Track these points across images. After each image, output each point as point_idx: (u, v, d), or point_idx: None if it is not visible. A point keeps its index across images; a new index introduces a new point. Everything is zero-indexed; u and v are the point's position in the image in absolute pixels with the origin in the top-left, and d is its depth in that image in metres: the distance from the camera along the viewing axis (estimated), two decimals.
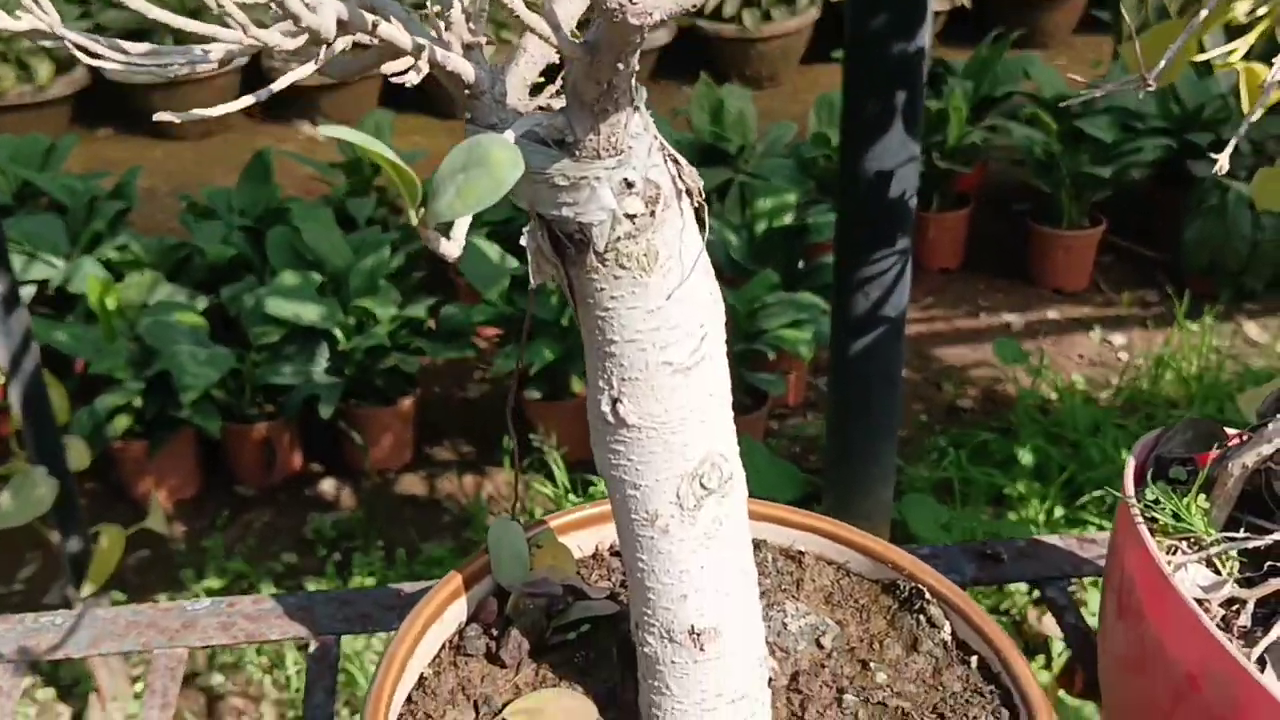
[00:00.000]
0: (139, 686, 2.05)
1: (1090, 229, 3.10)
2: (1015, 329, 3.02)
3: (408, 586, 0.85)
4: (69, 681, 2.08)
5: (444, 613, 0.66)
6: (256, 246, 2.82)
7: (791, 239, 2.62)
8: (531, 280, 0.52)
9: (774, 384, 2.43)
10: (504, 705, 0.62)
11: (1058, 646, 1.96)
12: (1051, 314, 3.08)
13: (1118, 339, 2.98)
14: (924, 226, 3.12)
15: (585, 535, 0.72)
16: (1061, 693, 1.89)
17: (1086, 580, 1.63)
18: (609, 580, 0.71)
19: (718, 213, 2.85)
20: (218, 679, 2.10)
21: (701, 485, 0.54)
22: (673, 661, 0.57)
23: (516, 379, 0.78)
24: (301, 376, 2.48)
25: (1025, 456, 2.34)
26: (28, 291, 2.63)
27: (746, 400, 2.49)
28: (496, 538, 0.69)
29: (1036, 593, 0.90)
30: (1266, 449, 0.63)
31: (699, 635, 0.56)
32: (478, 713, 0.62)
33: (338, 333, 2.49)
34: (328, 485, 2.61)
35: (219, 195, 2.97)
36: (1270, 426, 0.63)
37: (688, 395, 0.52)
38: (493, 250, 2.60)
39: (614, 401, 0.53)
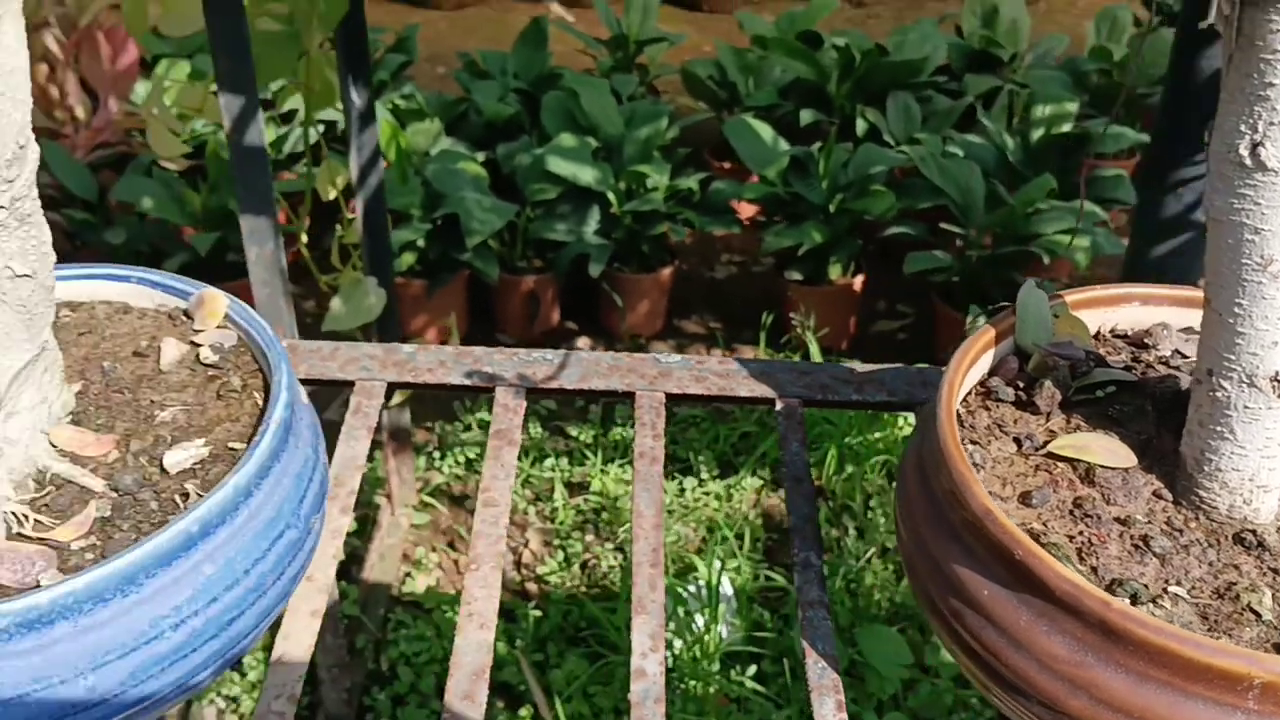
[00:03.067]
0: (424, 497, 2.20)
1: None
2: None
3: (859, 365, 0.91)
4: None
5: (979, 360, 0.71)
6: (529, 108, 2.92)
7: (1069, 147, 2.59)
8: (1208, 19, 0.56)
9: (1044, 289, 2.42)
10: (1045, 443, 0.68)
11: None
12: None
13: None
14: None
15: (1091, 315, 0.77)
16: None
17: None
18: (1118, 356, 0.75)
19: (985, 118, 2.82)
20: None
21: None
22: (1245, 407, 0.62)
23: None
24: (573, 235, 2.58)
25: None
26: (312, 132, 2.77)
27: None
28: (1024, 301, 0.74)
29: None
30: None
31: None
32: (1019, 446, 0.68)
33: (610, 196, 2.58)
34: (583, 343, 2.72)
35: (493, 58, 3.07)
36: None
37: None
38: (765, 131, 2.64)
39: (1254, 145, 0.57)
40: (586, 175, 2.57)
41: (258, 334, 0.71)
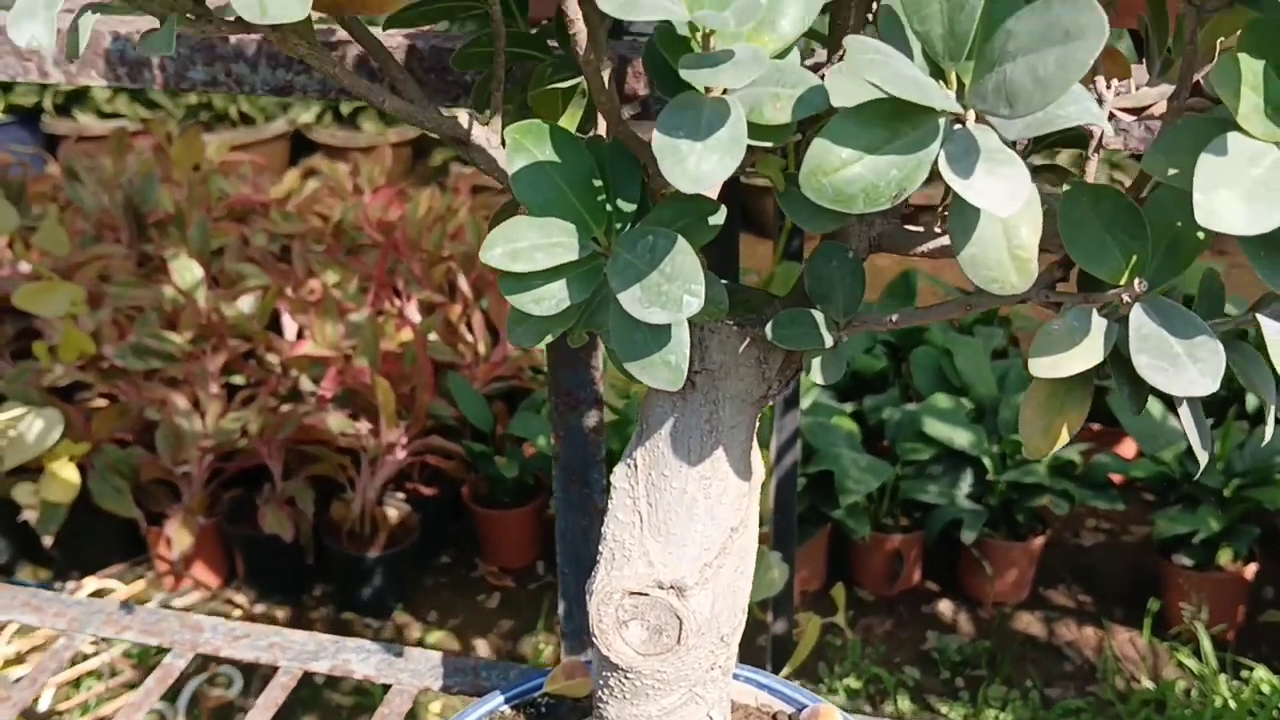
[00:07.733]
0: None
1: None
2: None
3: None
4: None
5: None
6: (894, 361, 2.95)
7: None
8: None
9: None
10: None
11: None
12: None
13: None
14: None
15: None
16: None
17: None
18: None
19: None
20: None
21: None
22: None
23: None
24: (945, 498, 2.56)
25: None
26: None
27: None
28: None
29: None
30: None
31: None
32: None
33: (986, 462, 2.54)
34: (944, 606, 2.65)
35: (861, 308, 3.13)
36: None
37: None
38: (1155, 407, 2.56)
39: None
40: (962, 439, 2.55)
41: None
